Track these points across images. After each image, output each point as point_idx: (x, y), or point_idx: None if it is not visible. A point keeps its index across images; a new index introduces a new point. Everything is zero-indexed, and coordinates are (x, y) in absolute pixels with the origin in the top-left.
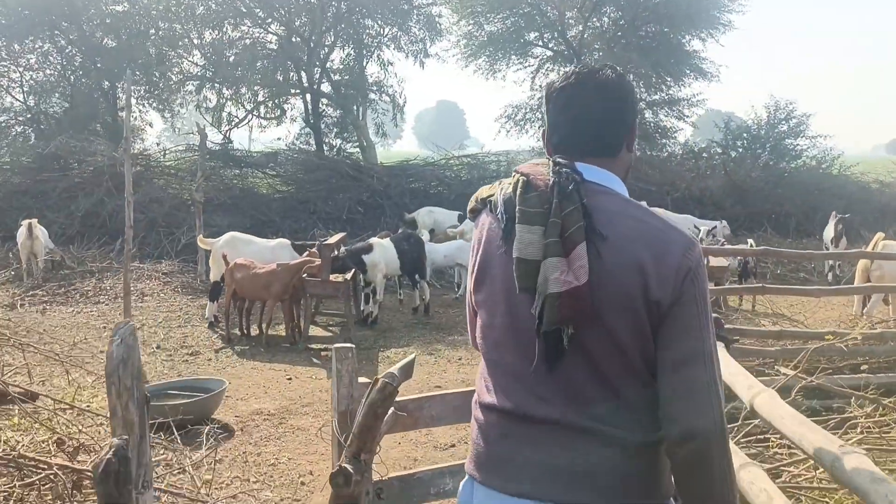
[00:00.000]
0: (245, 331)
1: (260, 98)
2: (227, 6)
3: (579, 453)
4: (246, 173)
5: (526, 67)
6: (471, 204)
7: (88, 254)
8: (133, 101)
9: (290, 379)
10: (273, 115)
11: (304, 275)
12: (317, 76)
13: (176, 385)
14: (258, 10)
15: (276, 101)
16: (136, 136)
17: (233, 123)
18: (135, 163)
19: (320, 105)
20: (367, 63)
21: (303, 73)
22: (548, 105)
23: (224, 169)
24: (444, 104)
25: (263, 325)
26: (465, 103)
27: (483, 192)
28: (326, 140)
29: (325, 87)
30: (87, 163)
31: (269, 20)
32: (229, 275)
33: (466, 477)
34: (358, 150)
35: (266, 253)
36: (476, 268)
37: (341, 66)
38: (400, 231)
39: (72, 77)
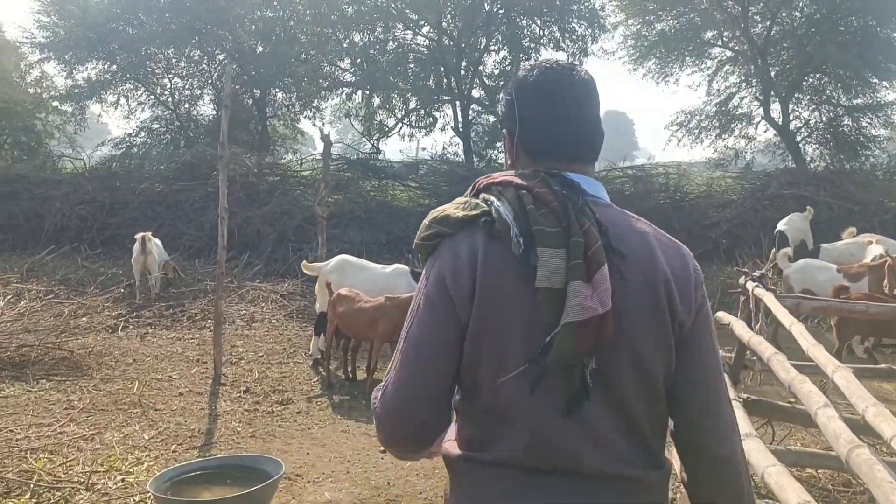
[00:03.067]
0: (350, 374)
1: (412, 105)
2: (377, 8)
3: (609, 501)
4: (385, 185)
5: (702, 70)
6: (430, 229)
7: (212, 270)
8: (281, 109)
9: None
10: (423, 124)
11: None
12: (467, 82)
13: (221, 464)
14: (409, 12)
15: (427, 108)
16: (280, 146)
17: (383, 132)
18: (270, 173)
19: (470, 112)
20: None
21: (452, 79)
22: (521, 102)
23: (363, 180)
24: (611, 114)
25: (369, 370)
26: (631, 109)
27: (449, 212)
28: (475, 150)
29: (477, 93)
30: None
31: (422, 22)
32: (331, 307)
33: None
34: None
35: (380, 281)
36: (474, 303)
37: (495, 71)
38: None
39: (219, 84)
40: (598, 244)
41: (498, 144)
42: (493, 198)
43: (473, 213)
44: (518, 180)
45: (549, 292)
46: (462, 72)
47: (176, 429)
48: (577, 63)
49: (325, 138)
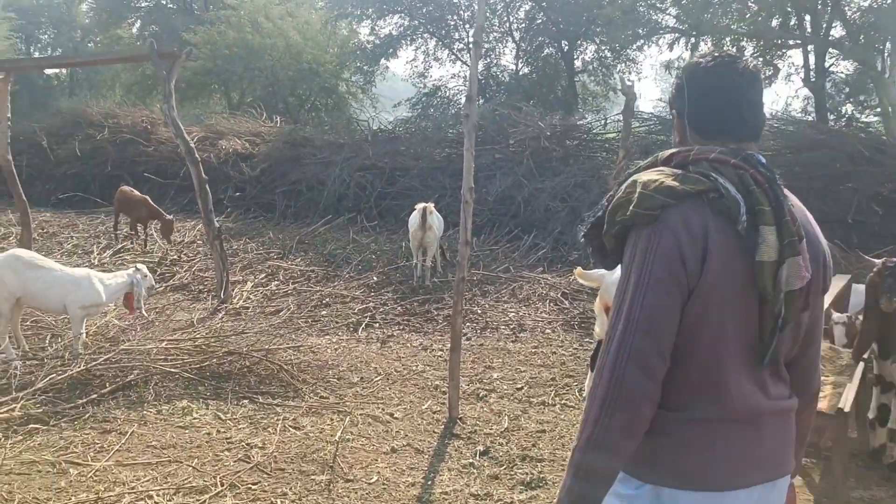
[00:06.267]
0: None
1: (747, 53)
2: None
3: (786, 431)
4: None
5: None
6: (652, 199)
7: (495, 250)
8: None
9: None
10: (762, 76)
11: None
12: (825, 19)
13: None
14: None
15: (768, 55)
16: (590, 105)
17: None
18: (567, 135)
19: (827, 58)
20: None
21: (805, 17)
22: (694, 85)
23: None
24: None
25: None
26: None
27: (669, 182)
28: (831, 106)
29: (837, 32)
30: (512, 134)
31: None
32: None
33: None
34: (879, 120)
35: None
36: (703, 273)
37: (863, 3)
38: None
39: (527, 38)
40: (798, 222)
41: (862, 97)
42: (713, 174)
43: (699, 187)
44: (733, 159)
45: (767, 265)
46: (818, 5)
47: None
48: (741, 54)
49: (627, 90)
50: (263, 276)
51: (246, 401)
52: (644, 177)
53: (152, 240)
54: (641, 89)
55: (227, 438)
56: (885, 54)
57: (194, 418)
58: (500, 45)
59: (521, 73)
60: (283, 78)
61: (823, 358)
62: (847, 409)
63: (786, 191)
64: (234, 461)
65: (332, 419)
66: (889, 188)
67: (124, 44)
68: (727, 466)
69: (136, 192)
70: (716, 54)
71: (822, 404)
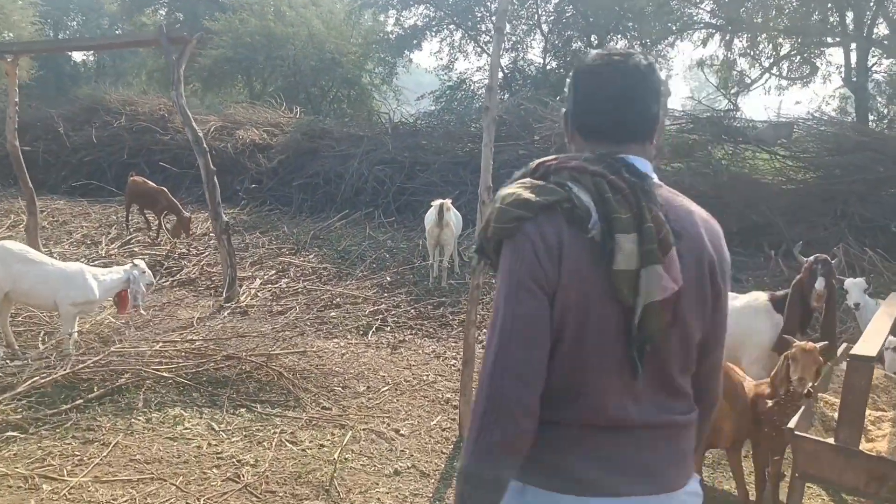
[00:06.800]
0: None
1: (784, 51)
2: None
3: (657, 446)
4: (743, 152)
5: None
6: (510, 213)
7: None
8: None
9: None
10: (798, 74)
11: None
12: (869, 16)
13: None
14: None
15: (805, 53)
16: None
17: (744, 85)
18: None
19: (870, 56)
20: None
21: (847, 14)
22: (578, 86)
23: (712, 144)
24: None
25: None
26: None
27: (525, 195)
28: (873, 107)
29: (882, 30)
30: (538, 130)
31: None
32: None
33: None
34: None
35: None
36: (559, 285)
37: None
38: None
39: (555, 31)
40: (667, 228)
41: None
42: (569, 183)
43: (553, 198)
44: (591, 166)
45: (624, 274)
46: (862, 1)
47: None
48: (640, 52)
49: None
50: (274, 272)
51: (243, 409)
52: (505, 191)
53: (163, 232)
54: (672, 87)
55: (217, 453)
56: None
57: (185, 428)
58: (527, 38)
59: (548, 67)
60: (305, 68)
61: (877, 388)
62: None
63: (679, 197)
64: (223, 480)
65: (332, 434)
66: None
67: (148, 31)
68: (594, 472)
69: (150, 182)
70: (605, 53)
71: (882, 447)
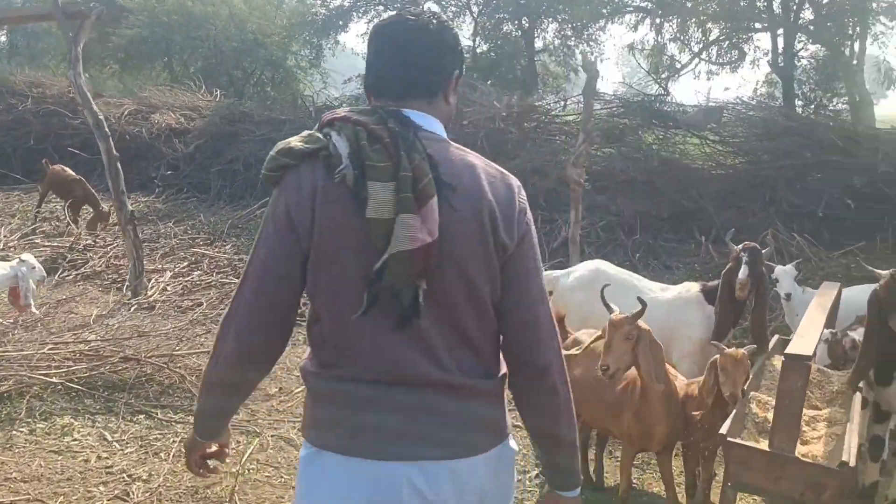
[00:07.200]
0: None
1: (713, 36)
2: None
3: (445, 409)
4: (673, 137)
5: None
6: (275, 161)
7: None
8: (553, 42)
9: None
10: (727, 60)
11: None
12: (795, 1)
13: None
14: None
15: (734, 39)
16: (550, 86)
17: (674, 70)
18: (524, 117)
19: (796, 41)
20: None
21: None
22: (369, 46)
23: (643, 129)
24: None
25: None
26: None
27: (293, 144)
28: (800, 93)
29: (808, 15)
30: (466, 114)
31: None
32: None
33: (313, 450)
34: (847, 108)
35: (655, 312)
36: (313, 234)
37: None
38: None
39: (485, 13)
40: (429, 178)
41: (830, 85)
42: (332, 133)
43: (314, 146)
44: (356, 116)
45: (378, 223)
46: None
47: None
48: (431, 13)
49: (589, 66)
50: (185, 264)
51: (142, 416)
52: (282, 141)
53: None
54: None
55: (107, 468)
56: (854, 40)
57: (74, 440)
58: (457, 19)
59: (478, 50)
60: (226, 49)
61: (811, 383)
62: (853, 463)
63: (467, 154)
64: (109, 500)
65: (238, 441)
66: (861, 181)
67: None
68: (360, 432)
69: (71, 171)
70: (399, 13)
71: (818, 451)
